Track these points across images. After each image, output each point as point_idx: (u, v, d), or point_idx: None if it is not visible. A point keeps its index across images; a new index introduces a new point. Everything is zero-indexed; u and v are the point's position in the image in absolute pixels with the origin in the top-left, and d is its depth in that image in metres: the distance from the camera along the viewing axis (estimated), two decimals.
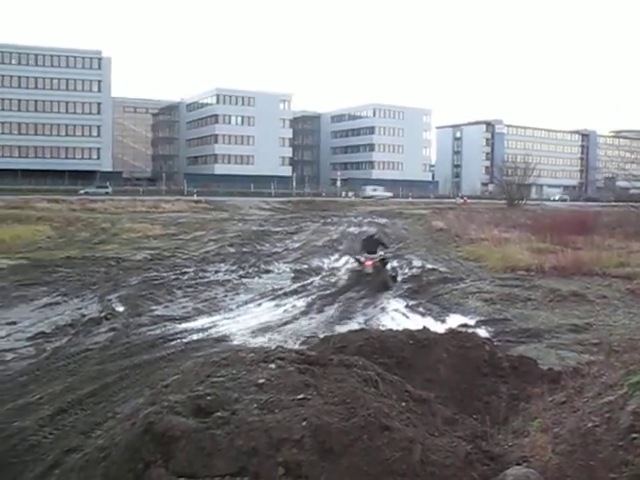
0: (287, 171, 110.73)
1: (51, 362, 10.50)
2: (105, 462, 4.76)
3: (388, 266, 20.35)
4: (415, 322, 13.26)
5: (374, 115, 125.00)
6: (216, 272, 20.96)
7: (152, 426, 4.61)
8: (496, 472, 4.96)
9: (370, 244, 20.08)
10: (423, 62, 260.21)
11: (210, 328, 13.20)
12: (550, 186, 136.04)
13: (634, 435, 4.83)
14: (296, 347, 7.12)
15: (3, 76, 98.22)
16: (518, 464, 5.12)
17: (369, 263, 18.81)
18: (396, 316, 14.97)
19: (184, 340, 12.16)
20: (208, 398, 5.01)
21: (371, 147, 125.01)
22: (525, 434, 5.98)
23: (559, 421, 5.82)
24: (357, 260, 19.93)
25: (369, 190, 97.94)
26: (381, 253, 19.67)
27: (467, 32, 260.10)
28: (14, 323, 13.15)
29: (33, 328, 12.77)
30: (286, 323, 13.96)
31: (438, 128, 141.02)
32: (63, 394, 8.85)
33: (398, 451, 4.75)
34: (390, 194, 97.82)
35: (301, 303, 16.44)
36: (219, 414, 4.79)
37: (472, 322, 14.18)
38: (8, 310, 14.50)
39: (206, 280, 19.31)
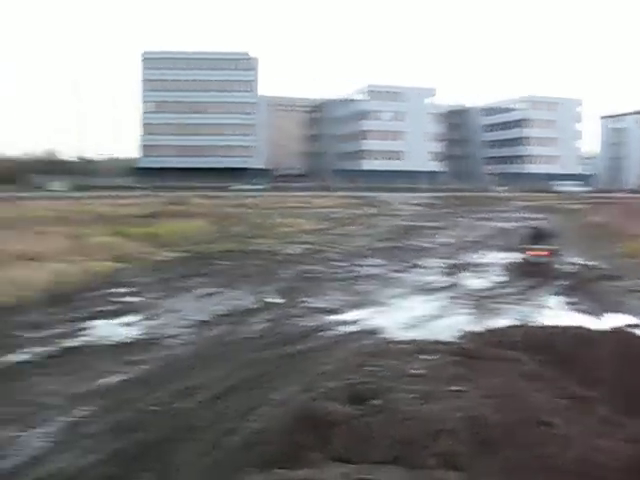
0: (437, 166, 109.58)
1: (210, 349, 10.97)
2: (263, 443, 4.92)
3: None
4: (573, 320, 12.72)
5: (526, 108, 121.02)
6: (368, 266, 21.08)
7: (309, 411, 4.72)
8: None
9: (538, 236, 19.59)
10: (576, 51, 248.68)
11: (362, 321, 13.28)
12: None
13: None
14: (450, 340, 7.02)
15: (162, 81, 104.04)
16: None
17: (536, 253, 18.37)
18: (553, 313, 14.42)
19: (337, 332, 12.30)
20: (363, 386, 5.07)
21: (524, 140, 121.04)
22: None
23: None
24: (523, 251, 19.65)
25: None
26: (551, 246, 19.40)
27: (621, 14, 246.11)
28: (177, 311, 13.87)
29: (194, 316, 13.40)
30: (438, 317, 13.80)
31: (603, 118, 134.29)
32: (221, 379, 9.21)
33: (555, 447, 4.59)
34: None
35: (453, 298, 16.21)
36: (374, 402, 4.82)
37: (637, 322, 13.42)
38: (171, 299, 15.29)
39: (358, 274, 19.46)
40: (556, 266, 20.07)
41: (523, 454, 4.59)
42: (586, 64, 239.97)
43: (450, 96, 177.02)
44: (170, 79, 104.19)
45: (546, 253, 18.79)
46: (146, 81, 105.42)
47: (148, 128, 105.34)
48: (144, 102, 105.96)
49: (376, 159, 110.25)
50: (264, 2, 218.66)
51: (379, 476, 4.05)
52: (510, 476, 4.41)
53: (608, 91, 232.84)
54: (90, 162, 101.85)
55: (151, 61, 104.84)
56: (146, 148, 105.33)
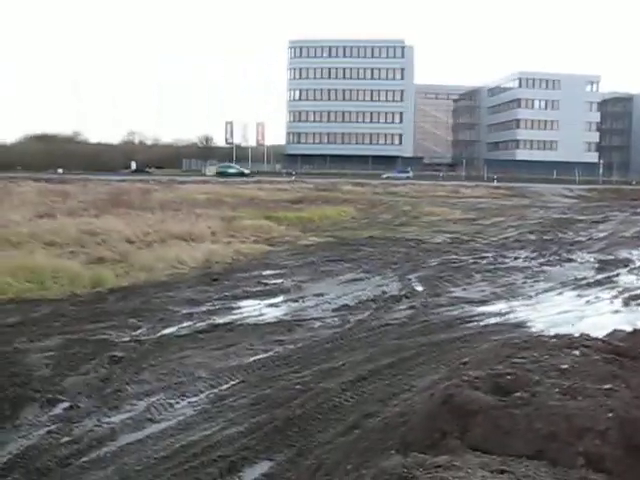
0: (593, 157, 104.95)
1: (353, 333, 11.10)
2: (403, 427, 4.94)
3: None
4: None
5: None
6: (515, 258, 20.53)
7: (451, 398, 4.68)
8: None
9: None
10: None
11: (508, 313, 12.99)
12: None
13: None
14: (601, 338, 6.74)
15: (315, 68, 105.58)
16: None
17: None
18: None
19: (481, 323, 12.11)
20: (508, 377, 4.96)
21: None
22: None
23: None
24: None
25: None
26: None
27: None
28: (322, 295, 14.12)
29: (338, 301, 13.60)
30: (589, 314, 13.27)
31: None
32: (363, 363, 9.32)
33: None
34: None
35: (606, 295, 15.50)
36: (519, 394, 4.71)
37: None
38: (317, 283, 15.60)
39: (505, 266, 19.02)
40: None
41: None
42: None
43: (613, 83, 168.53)
44: (317, 67, 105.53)
45: None
46: (292, 69, 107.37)
47: (295, 115, 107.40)
48: (289, 90, 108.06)
49: (529, 149, 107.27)
50: None
51: (520, 469, 3.96)
52: None
53: None
54: (240, 148, 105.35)
55: (298, 49, 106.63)
56: (294, 135, 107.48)
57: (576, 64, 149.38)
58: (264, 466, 6.21)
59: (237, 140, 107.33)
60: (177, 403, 7.75)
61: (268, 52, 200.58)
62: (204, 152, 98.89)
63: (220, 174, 79.24)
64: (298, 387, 8.27)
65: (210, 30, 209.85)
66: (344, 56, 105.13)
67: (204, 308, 12.63)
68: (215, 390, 8.20)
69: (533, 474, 3.92)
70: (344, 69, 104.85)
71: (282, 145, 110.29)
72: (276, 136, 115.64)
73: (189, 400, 7.86)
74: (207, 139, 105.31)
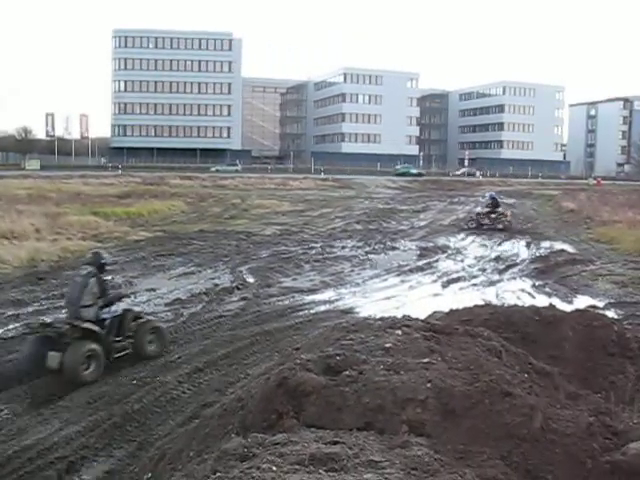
0: (414, 150, 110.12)
1: (188, 326, 11.21)
2: (242, 411, 5.16)
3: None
4: (541, 301, 13.08)
5: (504, 93, 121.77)
6: (343, 248, 21.35)
7: (286, 380, 4.95)
8: (618, 446, 4.97)
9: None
10: (555, 37, 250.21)
11: (337, 300, 13.59)
12: None
13: None
14: (422, 318, 7.33)
15: (141, 59, 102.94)
16: None
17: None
18: (522, 295, 14.81)
19: (311, 311, 12.59)
20: (337, 358, 5.31)
21: (500, 126, 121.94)
22: None
23: None
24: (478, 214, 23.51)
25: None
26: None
27: (602, 3, 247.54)
28: (153, 290, 14.06)
29: (171, 295, 13.62)
30: (411, 298, 14.13)
31: (571, 106, 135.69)
32: (199, 355, 9.48)
33: (519, 417, 4.86)
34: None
35: (427, 280, 16.55)
36: (348, 373, 5.06)
37: (601, 304, 13.84)
38: (148, 278, 15.47)
39: (333, 255, 19.73)
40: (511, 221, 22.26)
41: (487, 422, 4.86)
42: (575, 51, 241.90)
43: (432, 80, 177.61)
44: (144, 58, 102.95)
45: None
46: (117, 59, 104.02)
47: (121, 107, 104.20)
48: (114, 81, 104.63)
49: (355, 142, 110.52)
50: None
51: (350, 439, 4.31)
52: (474, 442, 4.69)
53: (590, 79, 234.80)
54: (63, 141, 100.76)
55: (122, 39, 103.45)
56: (119, 128, 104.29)
57: (397, 62, 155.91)
58: (104, 464, 6.23)
59: (59, 133, 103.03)
60: None
61: (92, 41, 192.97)
62: (23, 145, 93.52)
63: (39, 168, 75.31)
64: (135, 382, 8.28)
65: (31, 17, 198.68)
66: (171, 48, 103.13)
67: (31, 309, 12.19)
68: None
69: (362, 442, 4.28)
70: (171, 61, 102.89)
71: (108, 138, 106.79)
72: (101, 128, 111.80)
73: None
74: (26, 131, 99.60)
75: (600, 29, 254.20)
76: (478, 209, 31.00)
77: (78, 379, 8.17)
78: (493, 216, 28.22)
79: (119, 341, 9.08)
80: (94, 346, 8.51)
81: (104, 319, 9.07)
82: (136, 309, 10.35)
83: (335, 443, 4.22)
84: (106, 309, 9.20)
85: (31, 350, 8.60)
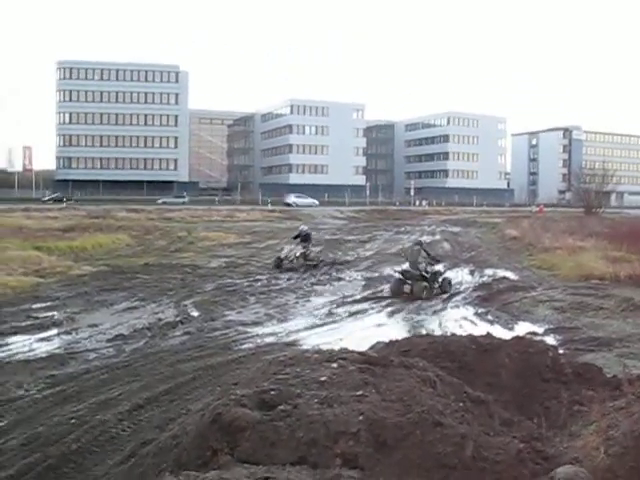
0: (361, 180, 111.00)
1: (129, 362, 11.07)
2: (177, 449, 5.16)
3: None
4: (482, 329, 13.30)
5: (448, 123, 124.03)
6: (288, 279, 21.39)
7: (220, 417, 4.98)
8: (547, 470, 5.10)
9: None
10: (498, 69, 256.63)
11: (280, 333, 13.59)
12: (631, 193, 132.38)
13: None
14: (360, 350, 7.42)
15: (86, 91, 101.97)
16: (571, 464, 5.26)
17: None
18: (464, 323, 15.04)
19: (255, 344, 12.58)
20: (272, 393, 5.36)
21: (445, 155, 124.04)
22: (581, 437, 6.09)
23: (614, 425, 5.91)
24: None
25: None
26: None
27: (543, 37, 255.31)
28: (96, 325, 13.84)
29: (113, 330, 13.43)
30: (355, 329, 14.23)
31: (514, 135, 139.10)
32: (140, 391, 9.37)
33: (450, 446, 4.97)
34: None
35: (372, 310, 16.69)
36: (282, 407, 5.11)
37: (541, 330, 14.16)
38: (90, 314, 15.23)
39: (278, 287, 19.76)
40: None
41: (419, 453, 4.95)
42: (517, 82, 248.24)
43: (378, 112, 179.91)
44: (89, 89, 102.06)
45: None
46: (61, 91, 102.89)
47: (66, 139, 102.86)
48: (59, 112, 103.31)
49: (302, 173, 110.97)
50: (192, 16, 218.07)
51: (283, 474, 4.34)
52: (406, 473, 4.77)
53: (532, 109, 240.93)
54: (5, 173, 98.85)
55: (67, 70, 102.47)
56: (65, 160, 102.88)
57: (343, 93, 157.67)
58: None
59: (2, 165, 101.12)
60: None
61: (37, 72, 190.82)
62: None
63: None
64: (73, 421, 8.14)
65: None
66: (117, 79, 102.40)
67: None
68: None
69: (294, 477, 4.32)
70: (117, 93, 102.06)
71: (52, 170, 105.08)
72: (46, 161, 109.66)
73: None
74: None
75: (539, 61, 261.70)
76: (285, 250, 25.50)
77: (420, 298, 17.94)
78: (298, 254, 24.63)
79: (434, 284, 18.85)
80: (425, 284, 18.46)
81: (427, 272, 18.73)
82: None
83: (267, 479, 4.25)
84: (429, 267, 18.96)
85: (396, 284, 18.73)
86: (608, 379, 8.40)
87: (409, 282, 18.59)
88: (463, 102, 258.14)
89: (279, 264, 24.10)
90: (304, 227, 27.06)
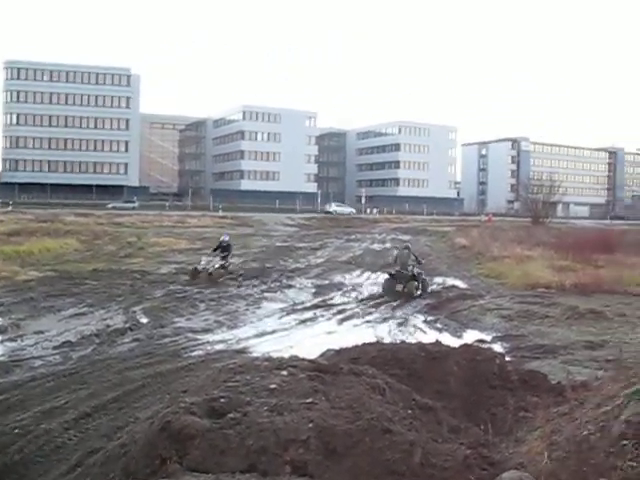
0: (312, 187, 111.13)
1: (76, 369, 10.89)
2: (125, 458, 5.11)
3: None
4: (431, 337, 13.46)
5: (399, 132, 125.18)
6: (238, 287, 21.31)
7: (169, 425, 4.95)
8: (493, 476, 5.19)
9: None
10: (449, 79, 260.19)
11: (230, 340, 13.54)
12: (577, 204, 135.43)
13: (624, 442, 5.06)
14: (310, 357, 7.45)
15: (35, 92, 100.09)
16: (516, 469, 5.37)
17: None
18: (413, 331, 15.20)
19: (205, 351, 12.50)
20: (222, 400, 5.35)
21: (396, 164, 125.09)
22: (526, 442, 6.22)
23: (558, 430, 6.05)
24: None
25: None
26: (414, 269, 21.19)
27: (492, 50, 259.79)
28: (42, 332, 13.58)
29: (60, 337, 13.20)
30: (305, 336, 14.26)
31: (464, 145, 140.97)
32: (87, 399, 9.23)
33: (399, 453, 5.03)
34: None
35: (322, 318, 16.74)
36: (231, 415, 5.11)
37: (488, 338, 14.39)
38: (36, 320, 14.94)
39: (228, 294, 19.67)
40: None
41: (369, 460, 4.99)
42: (467, 93, 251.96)
43: (330, 120, 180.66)
44: (38, 90, 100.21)
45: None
46: (8, 91, 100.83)
47: (12, 141, 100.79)
48: (5, 113, 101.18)
49: (254, 179, 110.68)
50: (145, 19, 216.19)
51: None
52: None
53: (482, 120, 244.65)
54: None
55: (15, 70, 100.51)
56: (10, 162, 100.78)
57: (296, 101, 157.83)
58: None
59: None
60: None
61: None
62: None
63: None
64: (16, 431, 7.97)
65: None
66: (67, 81, 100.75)
67: None
68: None
69: None
70: (66, 95, 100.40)
71: None
72: None
73: None
74: None
75: (490, 72, 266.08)
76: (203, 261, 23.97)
77: (412, 296, 19.78)
78: (217, 265, 23.35)
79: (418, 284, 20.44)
80: (416, 283, 20.31)
81: (415, 273, 20.59)
82: None
83: None
84: (415, 269, 20.75)
85: (388, 283, 20.59)
86: (552, 386, 8.59)
87: (401, 282, 20.28)
88: (415, 111, 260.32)
89: (195, 275, 22.36)
90: (225, 237, 25.38)
